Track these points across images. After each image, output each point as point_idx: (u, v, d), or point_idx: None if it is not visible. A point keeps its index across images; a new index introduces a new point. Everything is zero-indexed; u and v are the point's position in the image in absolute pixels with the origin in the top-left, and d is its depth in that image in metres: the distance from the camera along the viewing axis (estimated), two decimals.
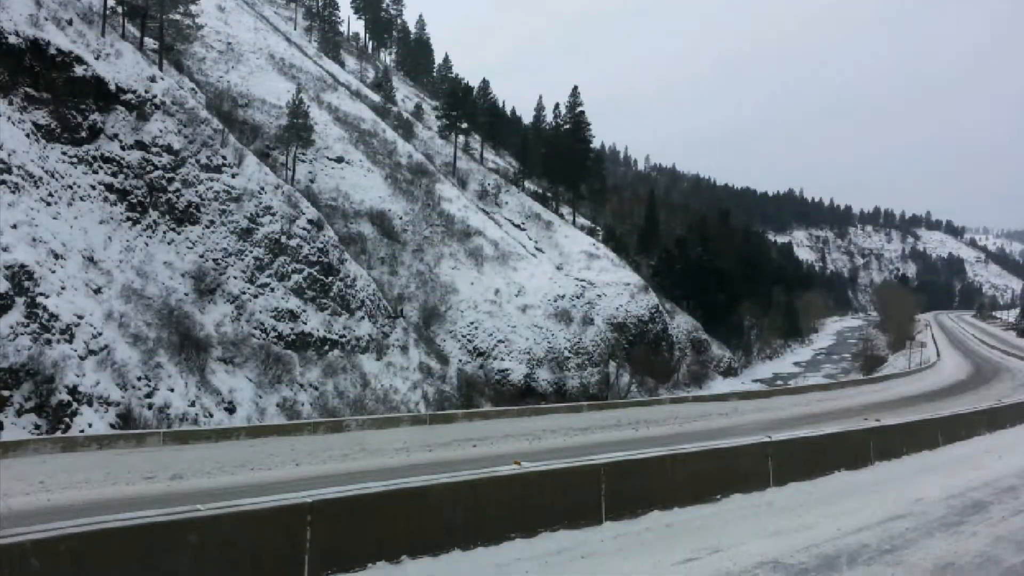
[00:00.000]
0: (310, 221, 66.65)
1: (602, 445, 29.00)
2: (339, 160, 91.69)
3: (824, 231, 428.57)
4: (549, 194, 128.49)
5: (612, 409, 49.99)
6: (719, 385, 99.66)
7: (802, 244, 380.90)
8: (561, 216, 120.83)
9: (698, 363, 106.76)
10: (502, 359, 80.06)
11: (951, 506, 16.57)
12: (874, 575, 11.47)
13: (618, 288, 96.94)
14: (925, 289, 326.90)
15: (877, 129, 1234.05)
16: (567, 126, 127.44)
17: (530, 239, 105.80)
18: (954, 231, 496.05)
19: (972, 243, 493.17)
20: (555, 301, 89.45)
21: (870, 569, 11.80)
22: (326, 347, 61.48)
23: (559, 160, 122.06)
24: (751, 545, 13.08)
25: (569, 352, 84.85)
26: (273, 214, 63.43)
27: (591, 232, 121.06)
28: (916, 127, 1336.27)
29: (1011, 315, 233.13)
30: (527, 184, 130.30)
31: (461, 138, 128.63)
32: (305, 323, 60.83)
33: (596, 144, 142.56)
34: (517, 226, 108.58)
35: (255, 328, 56.73)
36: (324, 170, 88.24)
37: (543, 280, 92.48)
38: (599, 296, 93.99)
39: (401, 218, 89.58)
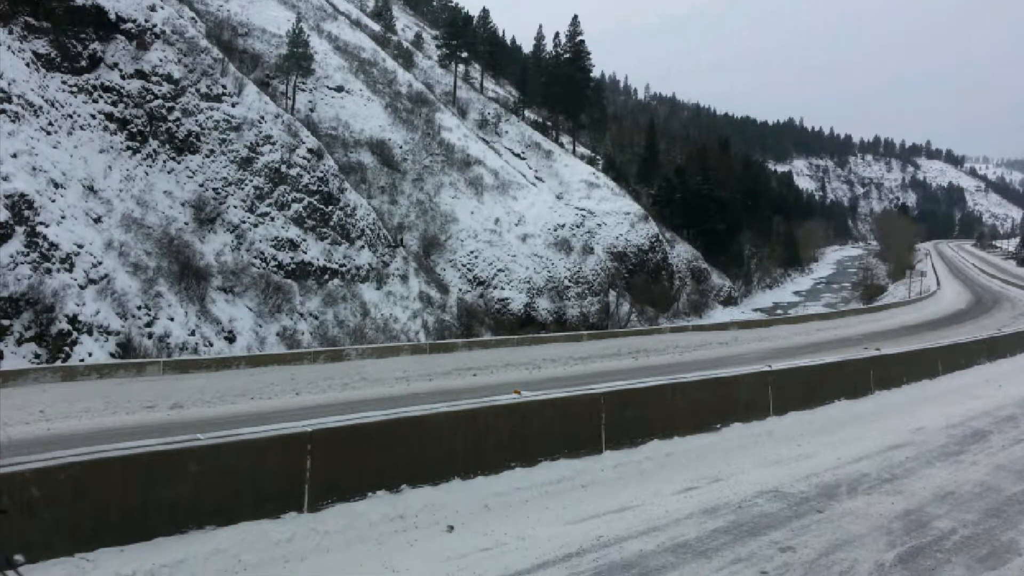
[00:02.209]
0: (310, 150, 66.31)
1: (602, 374, 29.12)
2: (339, 89, 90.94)
3: (824, 160, 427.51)
4: (549, 123, 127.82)
5: (612, 338, 50.16)
6: (719, 314, 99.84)
7: (802, 173, 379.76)
8: (561, 145, 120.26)
9: (698, 292, 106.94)
10: (502, 288, 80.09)
11: (951, 435, 16.59)
12: (874, 504, 11.47)
13: (618, 217, 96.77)
14: (925, 218, 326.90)
15: (878, 56, 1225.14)
16: (567, 55, 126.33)
17: (530, 168, 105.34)
18: (954, 160, 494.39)
19: (972, 172, 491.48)
20: (555, 230, 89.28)
21: (870, 498, 11.80)
22: (326, 276, 61.58)
23: (559, 89, 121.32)
24: (751, 474, 13.10)
25: (569, 281, 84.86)
26: (273, 143, 63.10)
27: (591, 161, 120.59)
28: (917, 54, 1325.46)
29: (1011, 244, 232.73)
30: (527, 113, 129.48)
31: (461, 67, 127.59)
32: (305, 252, 60.86)
33: (596, 73, 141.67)
34: (517, 155, 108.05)
35: (255, 257, 56.73)
36: (324, 99, 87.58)
37: (543, 209, 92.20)
38: (599, 225, 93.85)
39: (401, 147, 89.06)
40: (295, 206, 62.46)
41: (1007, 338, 34.97)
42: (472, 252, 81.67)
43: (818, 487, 12.39)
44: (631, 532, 10.15)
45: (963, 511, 11.26)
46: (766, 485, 12.42)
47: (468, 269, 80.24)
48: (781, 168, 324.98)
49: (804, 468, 13.58)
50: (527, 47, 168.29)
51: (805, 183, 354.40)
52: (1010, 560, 9.41)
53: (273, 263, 57.99)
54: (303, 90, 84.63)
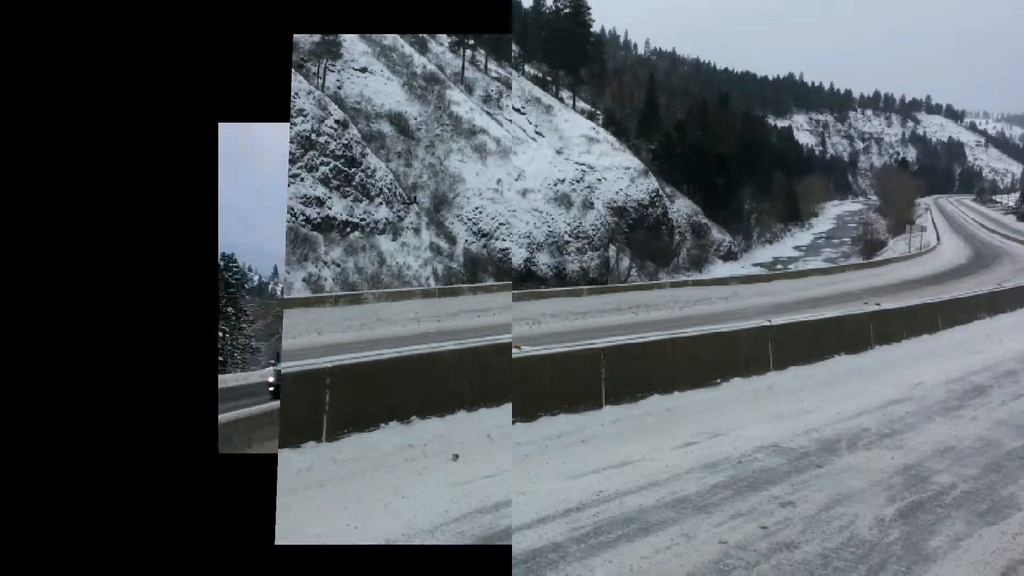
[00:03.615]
0: (337, 121, 72.47)
1: (602, 329, 29.14)
2: (363, 70, 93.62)
3: (824, 115, 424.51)
4: (549, 79, 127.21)
5: (612, 293, 50.19)
6: (719, 269, 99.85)
7: (802, 128, 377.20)
8: (561, 100, 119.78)
9: (698, 247, 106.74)
10: (503, 240, 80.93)
11: (951, 390, 16.55)
12: (874, 459, 11.47)
13: (618, 172, 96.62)
14: (925, 173, 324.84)
15: (878, 7, 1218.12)
16: (567, 10, 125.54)
17: (530, 123, 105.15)
18: (954, 115, 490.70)
19: (972, 127, 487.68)
20: (555, 185, 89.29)
21: (870, 453, 11.81)
22: (348, 229, 67.79)
23: (559, 45, 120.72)
24: (751, 429, 13.08)
25: (569, 236, 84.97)
26: (305, 115, 68.85)
27: (591, 116, 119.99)
28: (918, 7, 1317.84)
29: (1011, 199, 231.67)
30: (527, 68, 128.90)
31: (468, 52, 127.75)
32: (330, 208, 67.09)
33: (596, 28, 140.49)
34: (517, 110, 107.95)
35: (286, 212, 62.86)
36: (350, 79, 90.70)
37: (543, 164, 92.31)
38: (599, 180, 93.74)
39: (415, 119, 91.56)
40: (322, 168, 68.36)
41: (1008, 293, 34.89)
42: (477, 208, 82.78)
43: (818, 442, 12.39)
44: (631, 487, 10.15)
45: (963, 466, 11.25)
46: (766, 440, 12.40)
47: (473, 223, 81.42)
48: (781, 123, 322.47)
49: (804, 423, 13.56)
50: (527, 2, 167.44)
51: (805, 138, 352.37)
52: (1010, 515, 9.42)
53: (302, 217, 63.92)
54: (332, 71, 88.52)
